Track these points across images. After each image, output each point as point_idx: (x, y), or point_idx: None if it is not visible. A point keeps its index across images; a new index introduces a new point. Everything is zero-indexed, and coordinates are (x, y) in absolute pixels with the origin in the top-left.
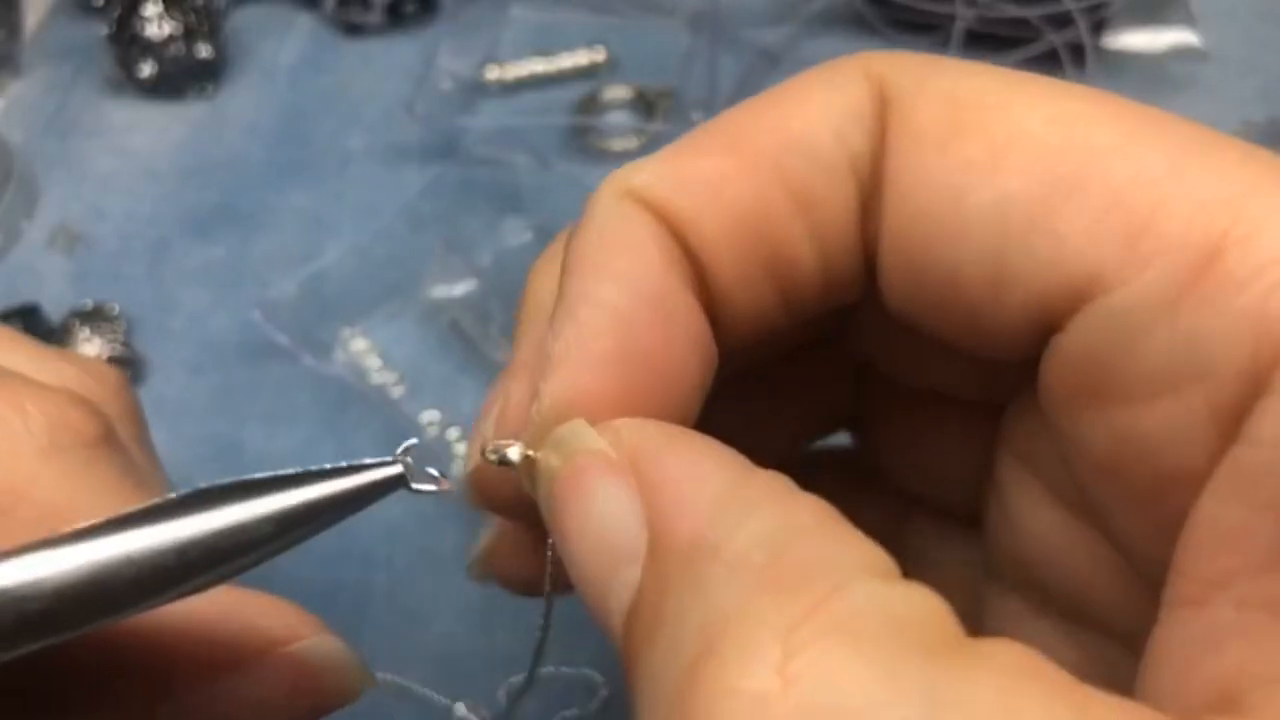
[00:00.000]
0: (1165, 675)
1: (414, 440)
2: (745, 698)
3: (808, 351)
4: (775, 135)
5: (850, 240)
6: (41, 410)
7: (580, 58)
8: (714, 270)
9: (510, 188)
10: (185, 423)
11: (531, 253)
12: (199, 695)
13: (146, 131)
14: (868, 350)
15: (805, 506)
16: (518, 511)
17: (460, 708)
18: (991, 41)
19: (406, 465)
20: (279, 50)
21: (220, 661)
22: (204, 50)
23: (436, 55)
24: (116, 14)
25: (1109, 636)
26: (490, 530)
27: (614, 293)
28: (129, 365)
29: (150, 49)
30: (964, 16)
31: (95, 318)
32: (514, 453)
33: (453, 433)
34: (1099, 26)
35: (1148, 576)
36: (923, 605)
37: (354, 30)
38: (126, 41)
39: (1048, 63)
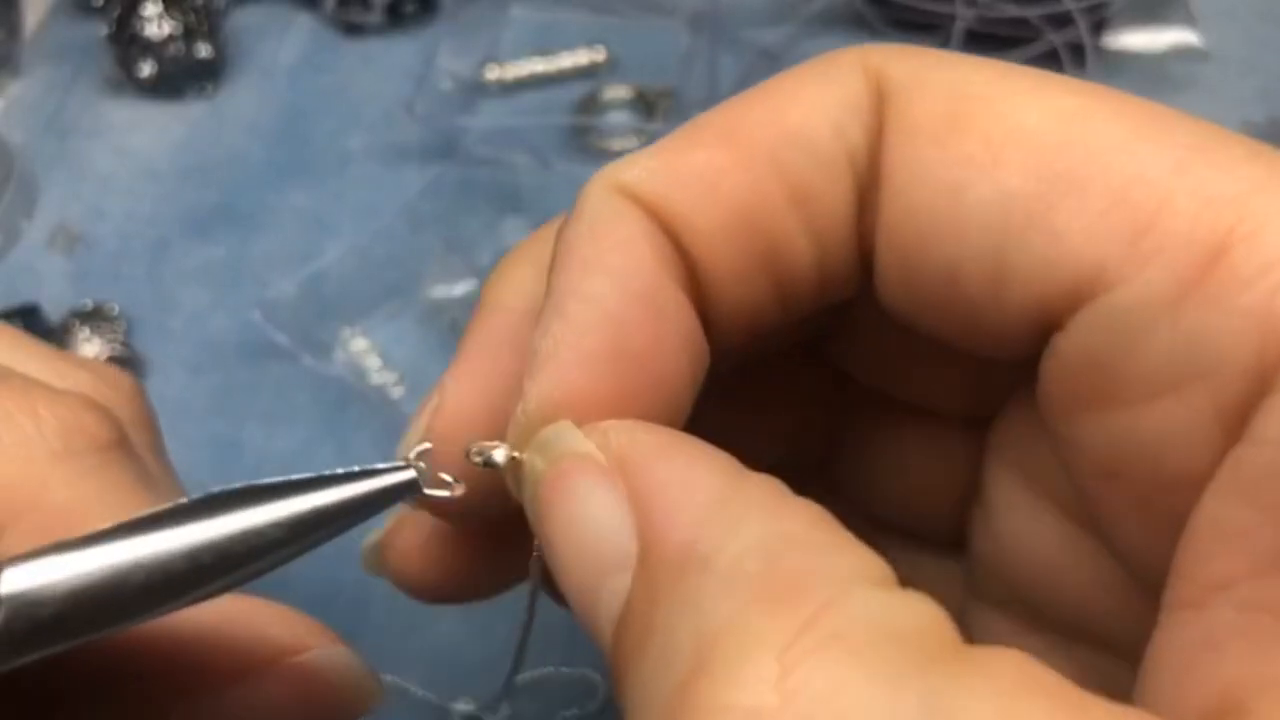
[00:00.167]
0: (1164, 681)
1: (426, 445)
2: (741, 714)
3: (782, 363)
4: (771, 129)
5: (847, 235)
6: (54, 414)
7: (580, 57)
8: (707, 267)
9: (510, 188)
10: (185, 423)
11: None
12: (208, 704)
13: (146, 131)
14: (851, 359)
15: (799, 512)
16: (460, 512)
17: (460, 708)
18: (992, 41)
19: (419, 470)
20: (279, 50)
21: (228, 670)
22: (204, 50)
23: (436, 55)
24: (116, 14)
25: (1106, 650)
26: (392, 521)
27: (604, 289)
28: (129, 365)
29: (150, 49)
30: (964, 16)
31: (95, 318)
32: (499, 454)
33: None
34: (1099, 26)
35: (1147, 584)
36: (921, 613)
37: (354, 30)
38: (126, 41)
39: (1048, 62)
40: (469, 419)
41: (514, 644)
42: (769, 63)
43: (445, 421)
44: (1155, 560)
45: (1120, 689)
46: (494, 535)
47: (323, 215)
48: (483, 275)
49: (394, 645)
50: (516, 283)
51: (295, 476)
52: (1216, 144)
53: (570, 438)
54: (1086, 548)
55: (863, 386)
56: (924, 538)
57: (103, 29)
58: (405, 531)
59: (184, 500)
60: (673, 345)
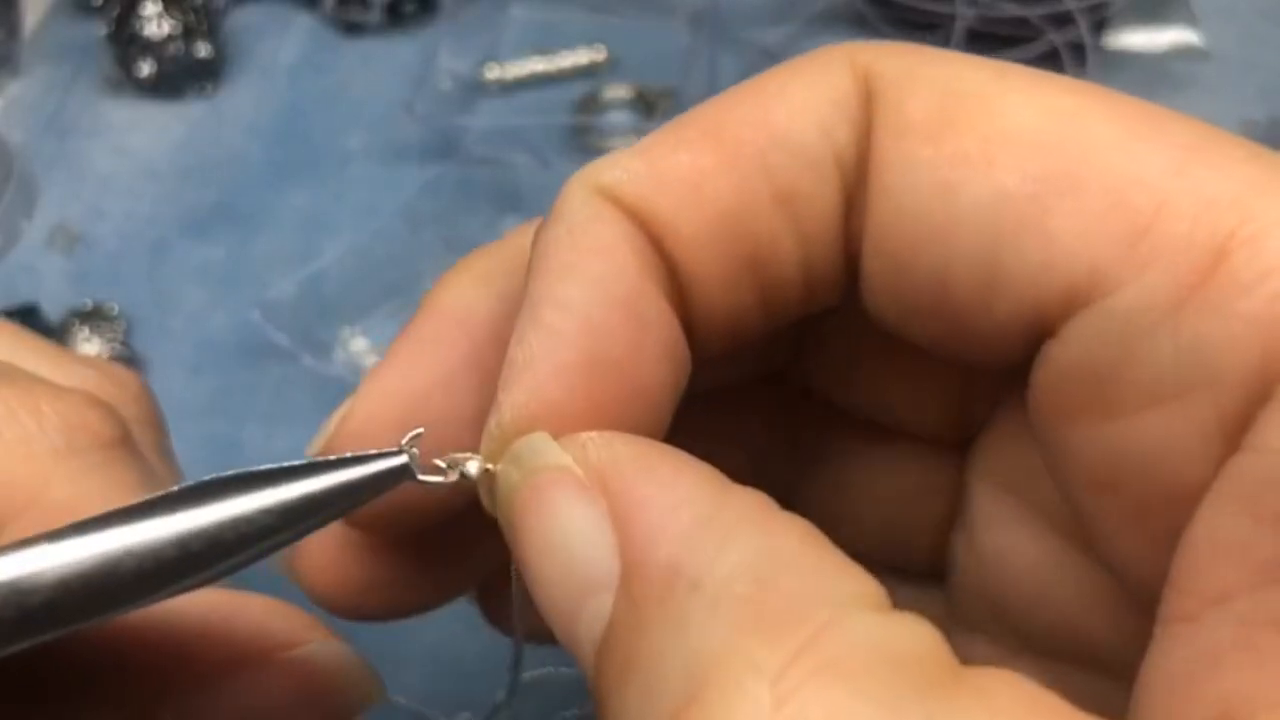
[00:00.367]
0: (1161, 698)
1: (420, 430)
2: None
3: (748, 385)
4: (757, 129)
5: (834, 238)
6: (57, 411)
7: (580, 57)
8: (690, 272)
9: (510, 188)
10: (184, 423)
11: None
12: (200, 698)
13: (146, 131)
14: (822, 376)
15: (789, 529)
16: (379, 523)
17: None
18: (992, 40)
19: (412, 456)
20: (278, 50)
21: (221, 664)
22: (203, 49)
23: (436, 55)
24: (115, 13)
25: (1096, 671)
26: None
27: (583, 296)
28: (128, 365)
29: (149, 48)
30: (964, 16)
31: (95, 318)
32: (472, 466)
33: None
34: (1100, 26)
35: (1141, 599)
36: (917, 637)
37: (353, 30)
38: (125, 41)
39: (1048, 62)
40: (380, 425)
41: (508, 663)
42: (769, 62)
43: (353, 426)
44: (1150, 574)
45: (1113, 711)
46: (418, 549)
47: (322, 215)
48: None
49: (392, 646)
50: (454, 291)
51: (286, 463)
52: (1215, 145)
53: (546, 450)
54: (1076, 564)
55: (832, 407)
56: (899, 568)
57: (102, 28)
58: (316, 542)
59: (174, 488)
60: (654, 354)
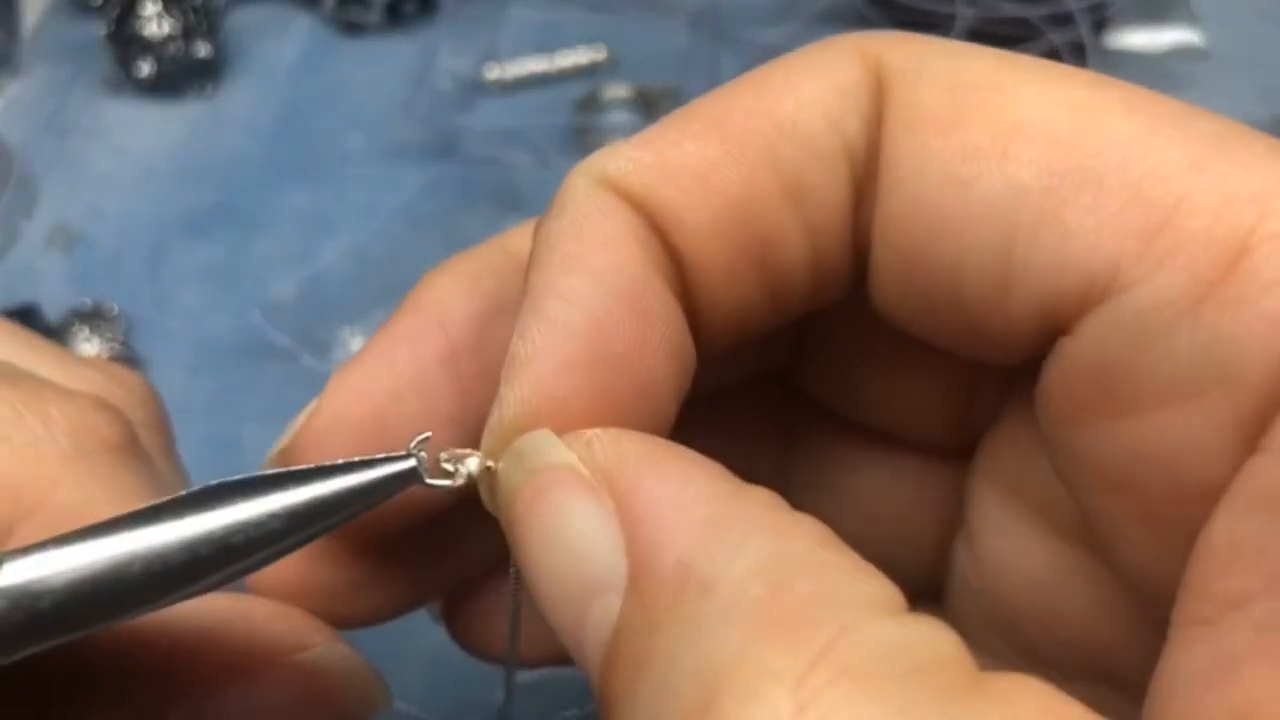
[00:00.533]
0: (1176, 703)
1: (427, 434)
2: None
3: (744, 386)
4: (764, 119)
5: (842, 232)
6: (64, 414)
7: (580, 56)
8: (697, 265)
9: (510, 188)
10: (184, 423)
11: None
12: (207, 702)
13: (145, 131)
14: (818, 380)
15: (802, 530)
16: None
17: None
18: (992, 41)
19: (419, 460)
20: (278, 50)
21: (228, 668)
22: (203, 49)
23: (436, 55)
24: (115, 13)
25: (1105, 682)
26: None
27: (586, 289)
28: (128, 365)
29: (149, 48)
30: (965, 16)
31: (94, 318)
32: (472, 463)
33: None
34: (1100, 25)
35: (1152, 603)
36: (938, 642)
37: (353, 30)
38: (125, 41)
39: None
40: (349, 423)
41: (505, 671)
42: None
43: (321, 423)
44: (1162, 577)
45: None
46: (386, 552)
47: (322, 215)
48: None
49: (390, 648)
50: (435, 290)
51: (294, 467)
52: (1235, 140)
53: (550, 447)
54: (1084, 568)
55: (828, 412)
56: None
57: (101, 28)
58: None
59: (182, 493)
60: (659, 349)
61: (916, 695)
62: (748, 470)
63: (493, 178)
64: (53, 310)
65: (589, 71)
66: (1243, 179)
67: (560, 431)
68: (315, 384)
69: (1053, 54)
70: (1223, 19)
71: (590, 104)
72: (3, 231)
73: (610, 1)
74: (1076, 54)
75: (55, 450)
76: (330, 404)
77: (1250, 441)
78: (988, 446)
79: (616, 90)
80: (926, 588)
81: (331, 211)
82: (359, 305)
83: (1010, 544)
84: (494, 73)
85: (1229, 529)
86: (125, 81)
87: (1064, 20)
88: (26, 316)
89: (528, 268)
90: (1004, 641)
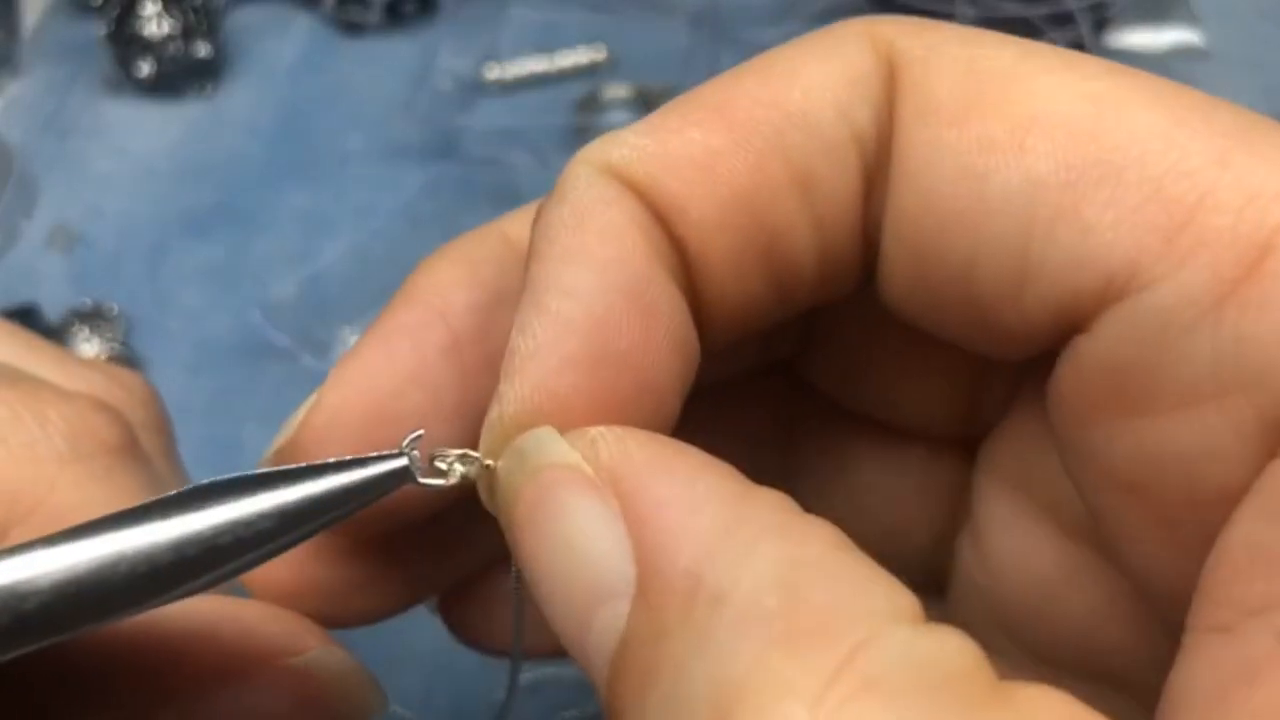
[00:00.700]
0: (1191, 713)
1: (420, 432)
2: None
3: (748, 375)
4: (771, 108)
5: (851, 225)
6: (62, 416)
7: (580, 56)
8: (701, 258)
9: (510, 188)
10: (184, 423)
11: None
12: (199, 705)
13: (145, 131)
14: (822, 369)
15: (816, 535)
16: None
17: None
18: None
19: (411, 458)
20: (278, 49)
21: (219, 671)
22: (202, 49)
23: (436, 55)
24: (115, 13)
25: (1109, 682)
26: None
27: (589, 282)
28: (127, 365)
29: (149, 48)
30: (965, 15)
31: (94, 318)
32: (463, 465)
33: None
34: (1101, 25)
35: (1162, 607)
36: (958, 652)
37: (353, 29)
38: (125, 41)
39: None
40: (349, 419)
41: (504, 678)
42: None
43: (320, 420)
44: (1173, 579)
45: None
46: (380, 551)
47: (322, 215)
48: None
49: (388, 649)
50: (434, 279)
51: (284, 466)
52: (1261, 135)
53: (553, 446)
54: (1090, 568)
55: (832, 401)
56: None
57: (101, 28)
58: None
59: (171, 492)
60: (663, 344)
61: (940, 708)
62: (750, 460)
63: (493, 178)
64: (52, 310)
65: (589, 71)
66: (1268, 174)
67: (562, 430)
68: (315, 384)
69: None
70: (1223, 19)
71: (590, 104)
72: (2, 231)
73: (610, 1)
74: None
75: (53, 452)
76: (330, 399)
77: (1272, 445)
78: (995, 442)
79: (616, 90)
80: (928, 580)
81: (331, 211)
82: (359, 305)
83: (1016, 542)
84: (494, 73)
85: (1249, 534)
86: (125, 81)
87: (1064, 20)
88: (26, 316)
89: (527, 258)
90: (1008, 639)
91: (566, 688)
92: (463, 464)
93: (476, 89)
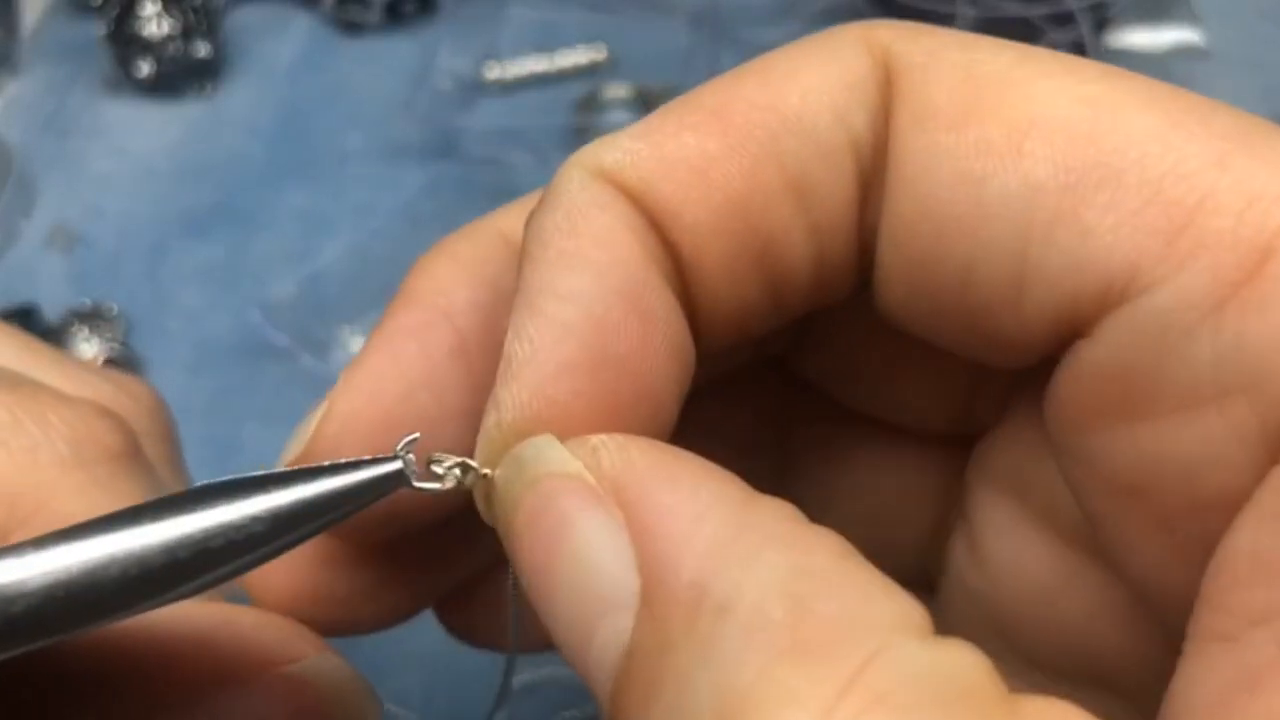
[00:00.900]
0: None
1: (415, 435)
2: None
3: (740, 373)
4: (767, 112)
5: (847, 231)
6: (64, 421)
7: (580, 56)
8: (696, 263)
9: (510, 187)
10: (184, 423)
11: None
12: (192, 712)
13: (145, 131)
14: (818, 368)
15: (822, 545)
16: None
17: None
18: None
19: (406, 462)
20: (278, 49)
21: (213, 678)
22: (202, 49)
23: (436, 55)
24: (114, 13)
25: (1106, 688)
26: None
27: (584, 287)
28: (127, 365)
29: (148, 48)
30: (965, 16)
31: (93, 318)
32: (458, 471)
33: None
34: (1101, 25)
35: (1161, 612)
36: (970, 666)
37: (353, 29)
38: (124, 41)
39: None
40: (361, 426)
41: (499, 679)
42: None
43: (333, 429)
44: (1172, 585)
45: None
46: (379, 558)
47: (322, 215)
48: None
49: (387, 649)
50: (436, 278)
51: (278, 469)
52: (1259, 136)
53: (553, 454)
54: (1087, 573)
55: (824, 398)
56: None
57: (101, 28)
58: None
59: (165, 495)
60: (660, 350)
61: None
62: (740, 457)
63: (493, 177)
64: (52, 310)
65: (589, 71)
66: (1268, 177)
67: (561, 437)
68: (315, 384)
69: None
70: (1223, 19)
71: (590, 104)
72: (2, 231)
73: (610, 1)
74: (1077, 54)
75: (54, 457)
76: (341, 407)
77: (1274, 451)
78: (991, 445)
79: (616, 90)
80: (919, 577)
81: (331, 211)
82: (359, 305)
83: (1012, 546)
84: (494, 72)
85: (1252, 541)
86: (125, 81)
87: (1065, 20)
88: (26, 316)
89: (520, 262)
90: (1002, 642)
91: (565, 688)
92: (460, 472)
93: (476, 89)
